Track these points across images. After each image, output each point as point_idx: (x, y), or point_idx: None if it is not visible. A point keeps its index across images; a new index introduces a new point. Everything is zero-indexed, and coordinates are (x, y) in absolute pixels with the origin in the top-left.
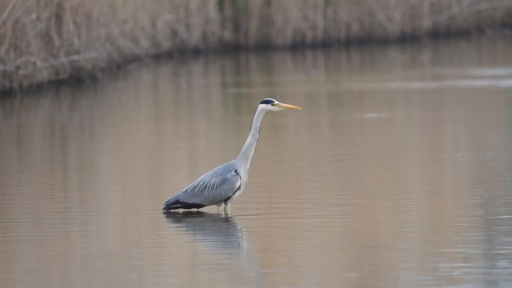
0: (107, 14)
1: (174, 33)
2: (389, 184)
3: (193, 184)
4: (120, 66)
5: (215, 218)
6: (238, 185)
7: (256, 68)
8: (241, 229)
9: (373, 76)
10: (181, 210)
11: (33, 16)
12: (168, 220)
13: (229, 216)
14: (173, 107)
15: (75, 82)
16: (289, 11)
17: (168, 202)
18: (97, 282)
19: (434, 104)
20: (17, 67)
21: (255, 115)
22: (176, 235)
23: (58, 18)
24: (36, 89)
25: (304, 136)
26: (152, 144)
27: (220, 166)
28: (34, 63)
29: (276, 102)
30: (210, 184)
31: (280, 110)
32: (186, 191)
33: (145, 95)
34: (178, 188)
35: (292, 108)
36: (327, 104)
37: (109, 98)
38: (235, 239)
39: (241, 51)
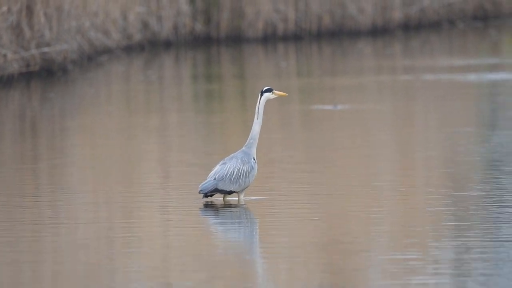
0: (78, 6)
1: (145, 25)
2: (360, 175)
3: (227, 172)
4: (91, 58)
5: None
6: (256, 172)
7: (227, 60)
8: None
9: (344, 68)
10: (202, 197)
11: (4, 8)
12: (141, 205)
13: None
14: (144, 99)
15: (46, 74)
16: (260, 4)
17: (206, 190)
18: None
19: (405, 96)
20: None
21: (260, 104)
22: (149, 217)
23: (29, 10)
24: (6, 81)
25: (274, 128)
26: (122, 136)
27: (240, 154)
28: (5, 55)
29: (274, 90)
30: (243, 172)
31: (275, 97)
32: (222, 179)
33: (116, 87)
34: (150, 178)
35: (282, 95)
36: (297, 96)
37: (80, 90)
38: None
39: (212, 43)
